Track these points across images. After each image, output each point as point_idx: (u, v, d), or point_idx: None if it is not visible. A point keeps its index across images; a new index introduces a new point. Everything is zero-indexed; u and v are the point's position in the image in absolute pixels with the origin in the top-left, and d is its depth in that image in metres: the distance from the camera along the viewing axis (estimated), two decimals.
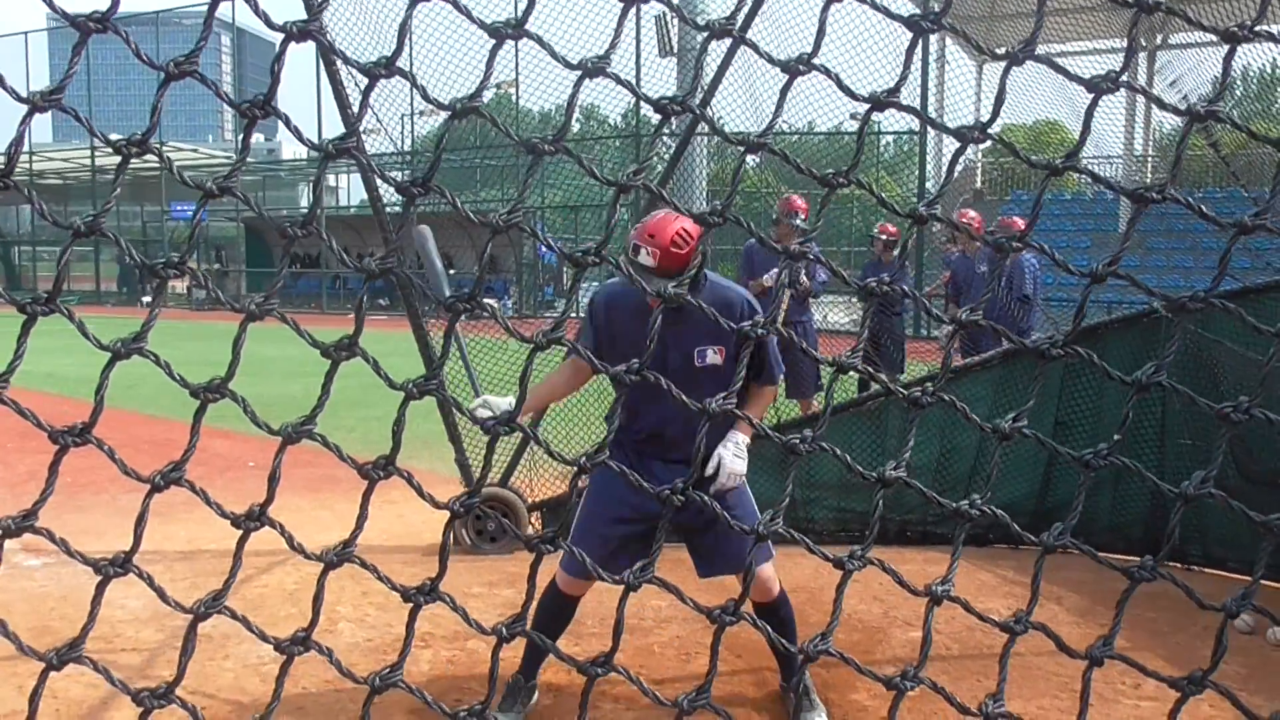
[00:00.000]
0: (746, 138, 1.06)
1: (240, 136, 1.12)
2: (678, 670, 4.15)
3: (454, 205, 1.08)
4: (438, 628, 4.43)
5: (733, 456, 3.32)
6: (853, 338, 1.21)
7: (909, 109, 1.05)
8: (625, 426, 3.36)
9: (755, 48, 1.06)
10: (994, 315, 8.28)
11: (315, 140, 1.14)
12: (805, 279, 7.65)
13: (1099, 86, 0.94)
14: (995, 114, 0.98)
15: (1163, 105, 0.95)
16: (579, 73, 1.07)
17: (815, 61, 1.05)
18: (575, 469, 1.09)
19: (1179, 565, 5.52)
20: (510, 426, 1.08)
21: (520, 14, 1.10)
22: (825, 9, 1.02)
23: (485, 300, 1.05)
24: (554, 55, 1.04)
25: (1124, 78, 0.92)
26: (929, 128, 15.63)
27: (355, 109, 1.47)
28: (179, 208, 35.95)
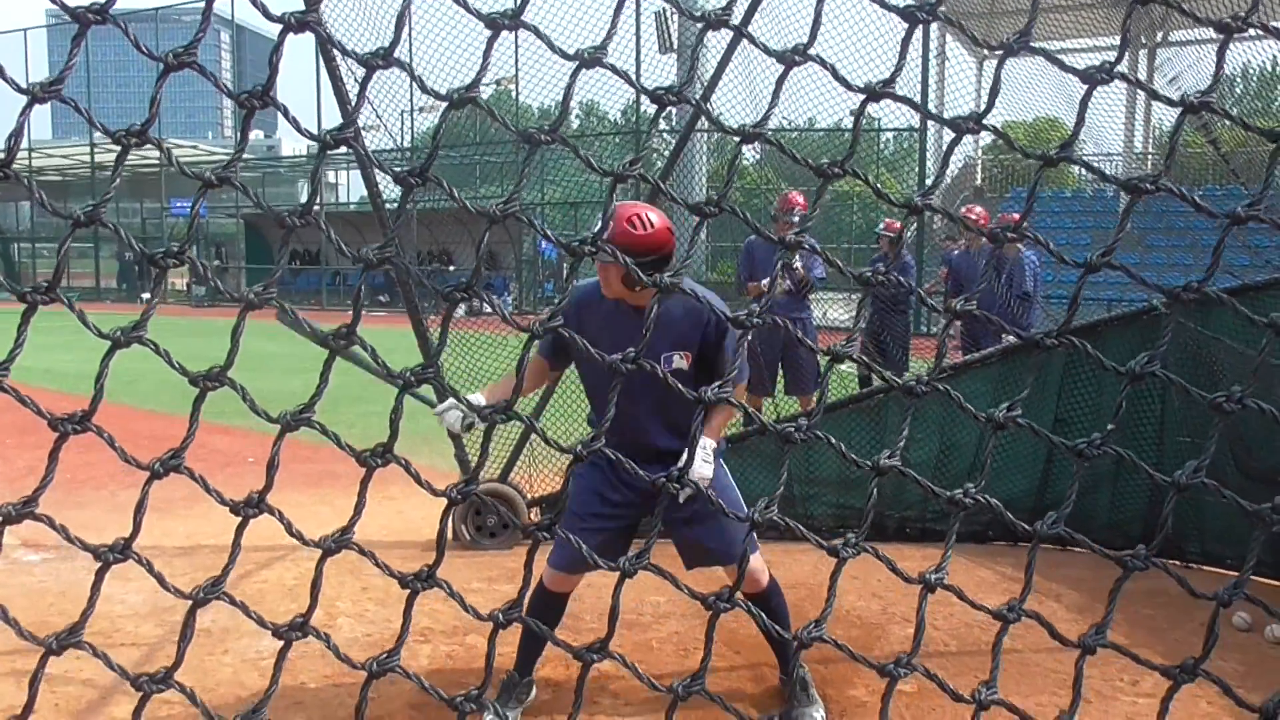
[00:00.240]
0: (742, 128, 1.06)
1: (239, 130, 1.12)
2: (676, 665, 4.16)
3: (451, 195, 1.08)
4: (436, 623, 4.44)
5: (700, 461, 3.30)
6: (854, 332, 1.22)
7: (904, 99, 1.05)
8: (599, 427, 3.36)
9: (751, 38, 1.07)
10: (994, 312, 8.28)
11: (314, 133, 1.14)
12: (801, 269, 7.65)
13: (1093, 78, 0.95)
14: (990, 105, 0.99)
15: (1155, 95, 0.95)
16: (576, 63, 1.07)
17: (811, 52, 1.06)
18: (571, 459, 1.10)
19: (1178, 562, 5.53)
20: (496, 418, 1.08)
21: (518, 4, 1.10)
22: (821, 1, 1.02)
23: (477, 290, 1.06)
24: (550, 45, 1.05)
25: (1119, 69, 0.93)
26: (928, 122, 15.63)
27: (354, 103, 1.48)
28: (179, 204, 35.93)
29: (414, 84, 1.17)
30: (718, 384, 1.10)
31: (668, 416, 3.40)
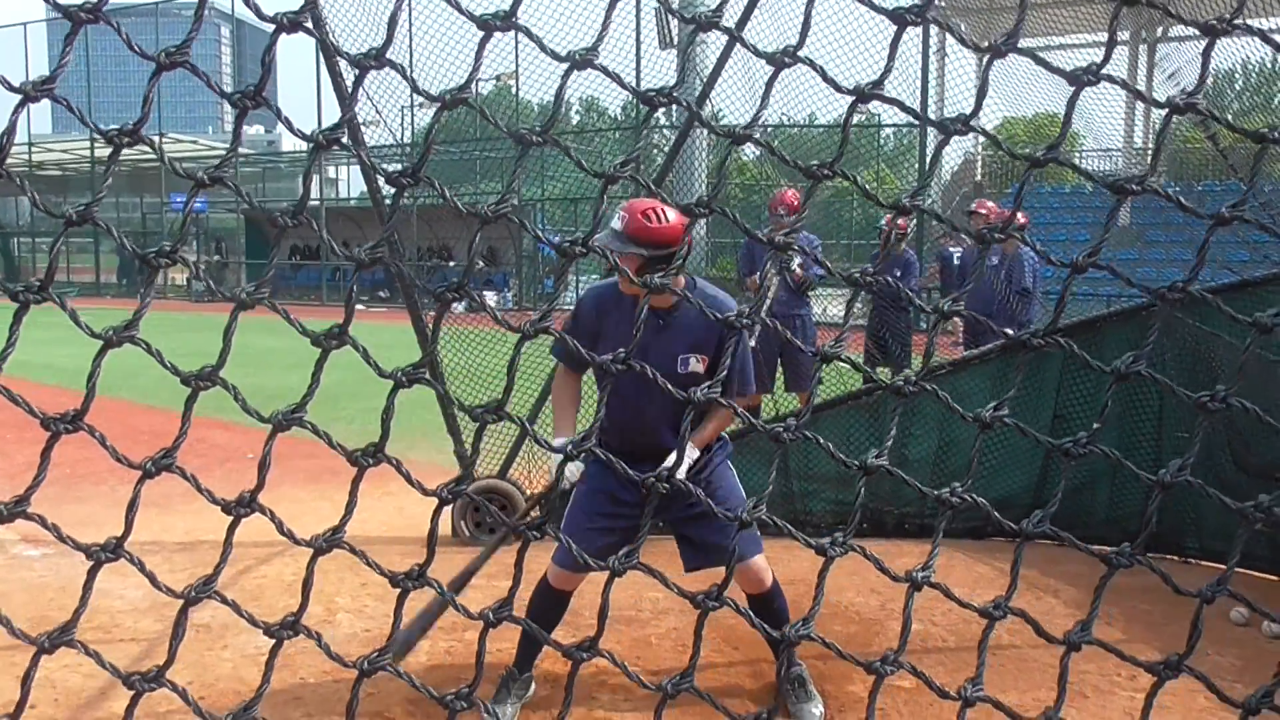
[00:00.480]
0: (733, 130, 1.07)
1: (234, 129, 1.12)
2: (674, 661, 4.17)
3: (443, 196, 1.09)
4: None
5: (687, 461, 3.31)
6: (851, 331, 1.22)
7: (893, 101, 1.06)
8: (602, 428, 3.37)
9: (742, 40, 1.07)
10: (994, 308, 8.29)
11: (312, 131, 1.15)
12: (799, 269, 7.67)
13: (1080, 80, 0.95)
14: (977, 107, 0.99)
15: (1140, 97, 0.96)
16: (568, 65, 1.07)
17: (802, 54, 1.06)
18: (562, 457, 1.11)
19: (1176, 558, 5.54)
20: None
21: (512, 5, 1.11)
22: (810, 2, 1.03)
23: (468, 290, 1.06)
24: (542, 47, 1.05)
25: (1104, 70, 0.93)
26: (929, 116, 15.61)
27: (350, 102, 1.48)
28: (179, 199, 35.87)
29: (410, 82, 1.18)
30: (706, 385, 1.11)
31: (679, 419, 3.40)
